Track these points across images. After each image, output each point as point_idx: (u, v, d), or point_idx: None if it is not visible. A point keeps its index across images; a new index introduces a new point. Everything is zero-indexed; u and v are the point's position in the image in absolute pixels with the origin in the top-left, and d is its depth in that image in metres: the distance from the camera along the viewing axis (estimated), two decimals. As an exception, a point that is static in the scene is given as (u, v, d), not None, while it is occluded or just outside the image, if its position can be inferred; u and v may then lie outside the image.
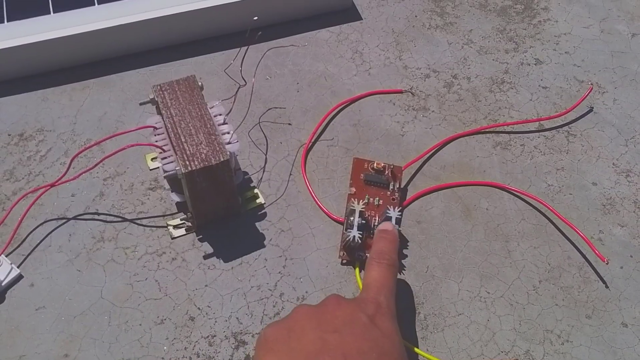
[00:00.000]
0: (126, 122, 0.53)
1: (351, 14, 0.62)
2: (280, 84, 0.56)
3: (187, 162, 0.42)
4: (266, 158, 0.52)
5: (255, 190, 0.50)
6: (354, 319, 0.35)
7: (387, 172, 0.49)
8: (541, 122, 0.55)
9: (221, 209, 0.47)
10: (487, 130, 0.54)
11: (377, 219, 0.47)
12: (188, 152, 0.42)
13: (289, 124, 0.54)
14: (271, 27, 0.60)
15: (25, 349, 0.42)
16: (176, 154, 0.43)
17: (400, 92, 0.56)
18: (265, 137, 0.53)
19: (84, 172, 0.46)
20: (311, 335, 0.34)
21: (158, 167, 0.51)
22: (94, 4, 0.56)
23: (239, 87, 0.47)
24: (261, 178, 0.51)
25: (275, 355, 0.34)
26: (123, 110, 0.54)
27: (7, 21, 0.54)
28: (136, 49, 0.57)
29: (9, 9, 0.55)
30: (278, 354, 0.34)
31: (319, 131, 0.53)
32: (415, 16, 0.62)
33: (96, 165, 0.45)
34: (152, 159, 0.51)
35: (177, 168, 0.42)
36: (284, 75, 0.57)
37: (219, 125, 0.45)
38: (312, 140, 0.53)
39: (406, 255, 0.47)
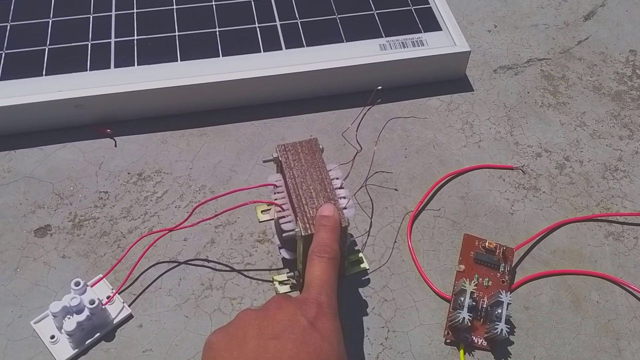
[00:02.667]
0: (239, 172, 0.55)
1: (463, 85, 0.62)
2: (388, 148, 0.57)
3: (307, 225, 0.42)
4: (371, 222, 0.52)
5: (360, 255, 0.50)
6: (294, 323, 0.36)
7: (498, 252, 0.48)
8: (657, 215, 0.53)
9: (328, 271, 0.48)
10: (599, 218, 0.53)
11: (485, 300, 0.46)
12: (308, 215, 0.43)
13: (396, 190, 0.54)
14: (375, 94, 0.61)
15: (131, 389, 0.43)
16: (296, 215, 0.44)
17: (511, 168, 0.56)
18: (371, 200, 0.53)
19: (203, 220, 0.48)
20: (252, 343, 0.36)
21: (267, 220, 0.52)
22: (219, 56, 0.59)
23: (357, 153, 0.48)
24: (365, 242, 0.51)
25: None
26: (237, 160, 0.56)
27: (137, 65, 0.57)
28: (252, 101, 0.59)
29: (139, 55, 0.58)
30: None
31: (425, 200, 0.53)
32: (528, 92, 0.62)
33: (216, 215, 0.47)
34: (262, 212, 0.52)
35: (296, 230, 0.43)
36: (393, 140, 0.58)
37: (336, 188, 0.46)
38: (419, 209, 0.53)
39: (512, 342, 0.46)
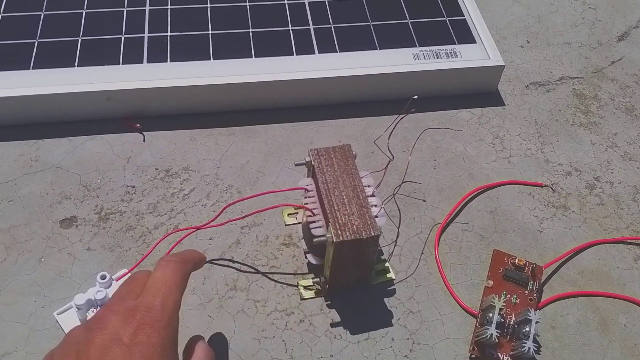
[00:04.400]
0: (267, 173, 0.55)
1: (494, 99, 0.62)
2: (417, 159, 0.57)
3: (339, 232, 0.42)
4: (398, 232, 0.51)
5: (387, 264, 0.50)
6: (112, 345, 0.32)
7: (527, 270, 0.48)
8: (688, 241, 0.52)
9: (354, 279, 0.47)
10: (629, 241, 0.52)
11: (513, 317, 0.45)
12: (340, 222, 0.43)
13: (424, 201, 0.54)
14: (410, 103, 0.60)
15: (151, 387, 0.42)
16: (327, 221, 0.43)
17: (541, 185, 0.55)
18: (399, 210, 0.53)
19: (231, 221, 0.47)
20: None
21: (294, 224, 0.51)
22: (251, 57, 0.58)
23: (390, 161, 0.48)
24: (392, 252, 0.50)
25: None
26: (264, 162, 0.55)
27: (170, 61, 0.57)
28: (282, 104, 0.59)
29: (172, 51, 0.58)
30: None
31: (454, 213, 0.53)
32: (559, 110, 0.61)
33: (245, 216, 0.46)
34: (288, 215, 0.52)
35: (327, 235, 0.42)
36: (422, 151, 0.57)
37: (367, 196, 0.45)
38: (447, 221, 0.52)
39: (537, 361, 0.45)
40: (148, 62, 0.57)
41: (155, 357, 0.33)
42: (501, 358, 0.44)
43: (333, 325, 0.46)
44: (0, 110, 0.54)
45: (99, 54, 0.57)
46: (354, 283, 0.48)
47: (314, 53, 0.59)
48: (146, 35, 0.59)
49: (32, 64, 0.55)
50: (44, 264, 0.48)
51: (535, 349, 0.43)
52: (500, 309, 0.44)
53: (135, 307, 0.35)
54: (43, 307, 0.45)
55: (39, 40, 0.57)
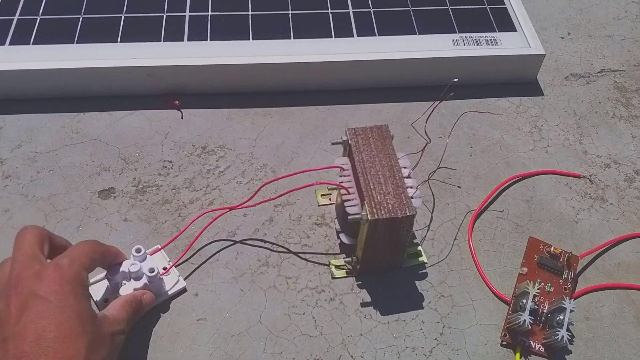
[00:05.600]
0: (301, 154, 0.55)
1: (533, 88, 0.61)
2: (453, 145, 0.56)
3: (374, 210, 0.42)
4: (432, 217, 0.51)
5: (419, 248, 0.49)
6: (29, 301, 0.35)
7: (563, 258, 0.47)
8: None
9: (386, 261, 0.47)
10: (669, 235, 0.51)
11: (546, 306, 0.45)
12: (376, 200, 0.43)
13: (459, 187, 0.53)
14: (449, 87, 0.60)
15: (182, 356, 0.43)
16: (362, 199, 0.43)
17: (579, 176, 0.54)
18: (432, 195, 0.52)
19: (266, 201, 0.48)
20: None
21: (326, 205, 0.52)
22: (290, 38, 0.59)
23: (427, 144, 0.48)
24: (424, 236, 0.50)
25: None
26: (300, 143, 0.56)
27: (210, 40, 0.58)
28: (319, 86, 0.59)
29: (212, 30, 0.58)
30: None
31: (489, 200, 0.52)
32: (599, 102, 0.60)
33: (280, 195, 0.46)
34: (322, 195, 0.52)
35: (362, 213, 0.42)
36: (458, 137, 0.57)
37: (404, 177, 0.45)
38: (482, 208, 0.52)
39: (570, 352, 0.44)
40: (188, 40, 0.58)
41: (71, 299, 0.36)
42: (533, 346, 0.44)
43: (363, 305, 0.46)
44: (44, 82, 0.55)
45: (141, 31, 0.58)
46: (386, 264, 0.48)
47: (352, 36, 0.59)
48: (187, 14, 0.60)
49: (76, 38, 0.57)
50: (82, 233, 0.49)
51: (569, 338, 0.43)
52: (534, 296, 0.43)
53: (44, 267, 0.37)
54: (80, 273, 0.46)
55: (84, 15, 0.59)
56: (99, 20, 0.58)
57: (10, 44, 0.56)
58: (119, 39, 0.57)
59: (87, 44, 0.56)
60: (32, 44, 0.56)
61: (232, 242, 0.49)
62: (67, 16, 0.58)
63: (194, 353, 0.43)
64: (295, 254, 0.49)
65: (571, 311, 0.43)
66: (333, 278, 0.47)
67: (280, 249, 0.49)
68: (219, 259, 0.48)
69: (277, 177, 0.48)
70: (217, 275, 0.47)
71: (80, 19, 0.58)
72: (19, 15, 0.58)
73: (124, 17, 0.59)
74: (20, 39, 0.56)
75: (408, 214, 0.42)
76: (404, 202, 0.43)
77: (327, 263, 0.48)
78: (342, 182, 0.46)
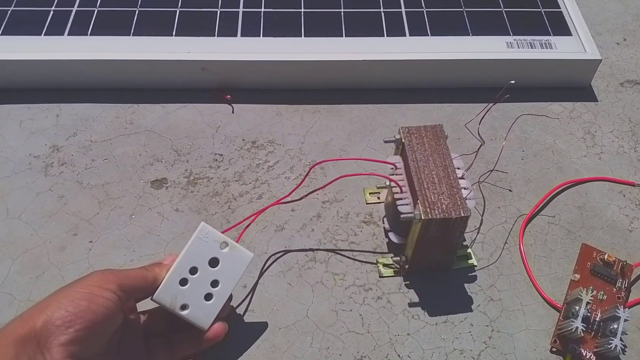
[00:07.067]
0: (349, 152, 0.55)
1: (587, 94, 0.60)
2: (505, 149, 0.55)
3: (428, 210, 0.42)
4: (482, 220, 0.51)
5: (469, 250, 0.49)
6: None
7: (617, 267, 0.46)
8: None
9: (435, 261, 0.47)
10: None
11: (599, 314, 0.44)
12: (429, 200, 0.42)
13: (510, 190, 0.53)
14: (500, 90, 0.59)
15: (230, 347, 0.43)
16: (415, 199, 0.43)
17: (633, 184, 0.53)
18: (483, 197, 0.52)
19: (315, 191, 0.48)
20: None
21: (374, 203, 0.51)
22: (342, 36, 0.59)
23: (481, 145, 0.47)
24: (474, 239, 0.50)
25: None
26: (348, 141, 0.56)
27: (263, 36, 0.58)
28: (369, 84, 0.59)
29: (265, 27, 0.59)
30: None
31: (541, 205, 0.52)
32: (656, 109, 0.59)
33: (329, 183, 0.46)
34: (370, 194, 0.52)
35: (415, 212, 0.42)
36: (510, 140, 0.56)
37: (458, 178, 0.45)
38: (533, 213, 0.51)
39: (623, 362, 0.43)
40: (242, 35, 0.58)
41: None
42: (584, 354, 0.43)
43: (411, 305, 0.46)
44: (99, 73, 0.57)
45: (196, 25, 0.59)
46: (435, 265, 0.47)
47: (404, 35, 0.59)
48: (241, 10, 0.60)
49: (132, 31, 0.58)
50: (134, 221, 0.49)
51: (622, 347, 0.42)
52: (588, 303, 0.43)
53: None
54: (132, 260, 0.47)
55: (140, 8, 0.60)
56: (155, 14, 0.59)
57: (69, 34, 0.57)
58: (174, 33, 0.58)
59: (142, 37, 0.57)
60: (90, 35, 0.57)
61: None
62: (124, 9, 0.60)
63: (241, 344, 0.43)
64: (343, 251, 0.49)
65: (625, 320, 0.42)
66: (380, 277, 0.47)
67: (327, 245, 0.49)
68: (267, 252, 0.48)
69: (330, 158, 0.48)
70: (265, 268, 0.47)
71: (137, 12, 0.59)
72: (78, 7, 0.60)
73: (179, 11, 0.60)
74: (78, 30, 0.58)
75: (462, 215, 0.42)
76: (459, 202, 0.42)
77: (375, 261, 0.48)
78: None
